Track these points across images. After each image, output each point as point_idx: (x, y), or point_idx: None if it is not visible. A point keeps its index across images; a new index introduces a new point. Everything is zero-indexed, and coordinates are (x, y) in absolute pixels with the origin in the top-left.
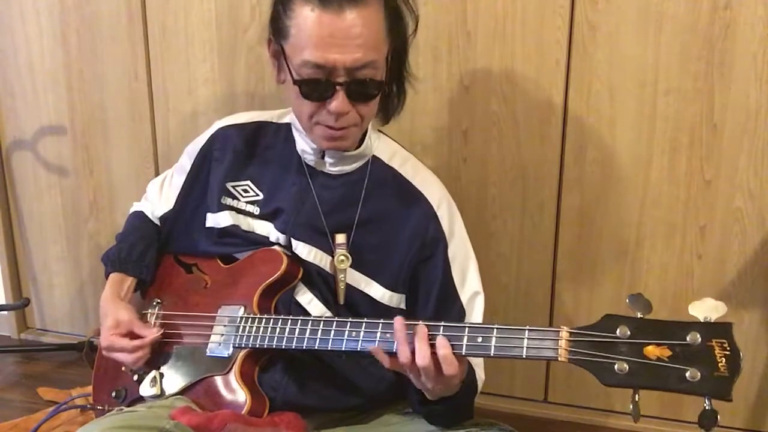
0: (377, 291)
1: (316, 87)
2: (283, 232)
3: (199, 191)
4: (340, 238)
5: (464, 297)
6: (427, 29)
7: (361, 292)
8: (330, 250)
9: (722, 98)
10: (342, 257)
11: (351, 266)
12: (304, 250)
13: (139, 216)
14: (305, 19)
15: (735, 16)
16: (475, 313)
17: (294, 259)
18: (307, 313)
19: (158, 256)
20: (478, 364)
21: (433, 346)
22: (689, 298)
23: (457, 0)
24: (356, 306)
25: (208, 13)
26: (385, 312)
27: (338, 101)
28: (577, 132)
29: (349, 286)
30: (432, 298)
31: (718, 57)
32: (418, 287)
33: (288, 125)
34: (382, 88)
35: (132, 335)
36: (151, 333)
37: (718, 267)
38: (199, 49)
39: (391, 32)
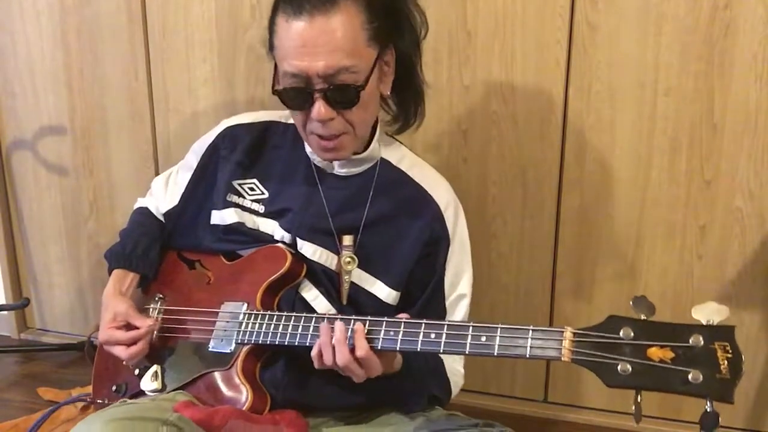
0: (382, 291)
1: (295, 95)
2: (288, 231)
3: (205, 189)
4: (347, 240)
5: (450, 298)
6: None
7: (367, 291)
8: (336, 250)
9: (722, 98)
10: (348, 258)
11: (357, 266)
12: (309, 249)
13: (143, 212)
14: (282, 31)
15: (735, 16)
16: (456, 316)
17: (298, 256)
18: (312, 310)
19: (162, 252)
20: (454, 359)
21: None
22: (689, 298)
23: (457, 0)
24: (361, 305)
25: (208, 13)
26: (387, 310)
27: (317, 108)
28: (577, 132)
29: (355, 285)
30: (423, 294)
31: (718, 57)
32: (413, 281)
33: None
34: (361, 93)
35: (129, 326)
36: (147, 323)
37: (718, 267)
38: (199, 49)
39: (379, 36)
